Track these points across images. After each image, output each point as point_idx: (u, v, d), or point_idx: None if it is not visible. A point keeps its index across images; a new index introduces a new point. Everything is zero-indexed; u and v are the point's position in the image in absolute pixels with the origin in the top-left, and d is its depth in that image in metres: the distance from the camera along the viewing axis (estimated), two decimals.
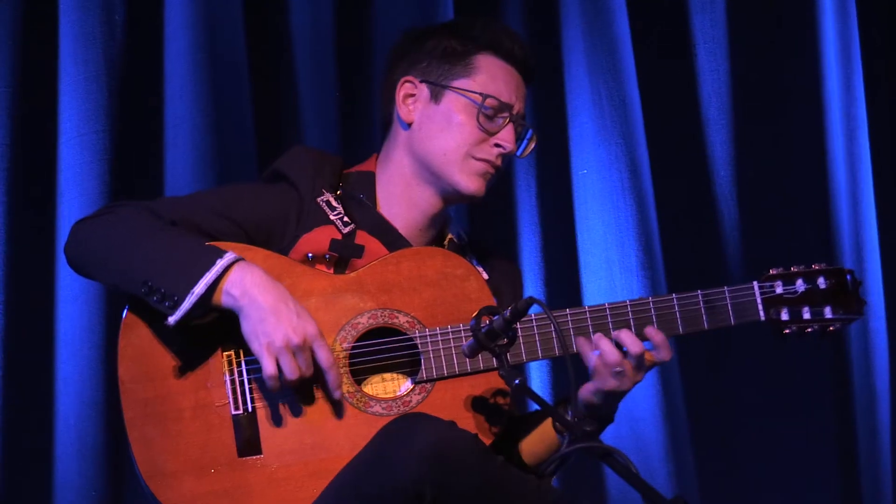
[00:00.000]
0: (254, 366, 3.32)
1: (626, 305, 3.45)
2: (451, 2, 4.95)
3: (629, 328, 3.42)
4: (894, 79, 5.12)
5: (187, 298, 3.23)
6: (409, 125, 3.58)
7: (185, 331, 3.30)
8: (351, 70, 4.96)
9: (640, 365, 3.38)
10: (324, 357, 3.28)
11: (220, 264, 3.25)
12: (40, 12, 4.76)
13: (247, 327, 3.25)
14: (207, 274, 3.24)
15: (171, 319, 3.24)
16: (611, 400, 3.43)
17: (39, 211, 4.72)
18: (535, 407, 3.27)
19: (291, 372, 3.24)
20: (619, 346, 3.37)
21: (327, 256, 3.45)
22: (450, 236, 3.66)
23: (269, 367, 3.24)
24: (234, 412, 3.32)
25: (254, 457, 3.30)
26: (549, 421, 3.52)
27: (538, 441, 3.54)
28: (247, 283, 3.25)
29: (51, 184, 4.73)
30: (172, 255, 3.27)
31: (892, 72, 5.13)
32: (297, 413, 3.32)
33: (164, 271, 3.25)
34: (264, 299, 3.24)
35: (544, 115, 5.00)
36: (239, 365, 3.33)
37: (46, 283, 4.70)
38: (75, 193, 4.70)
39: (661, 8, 5.13)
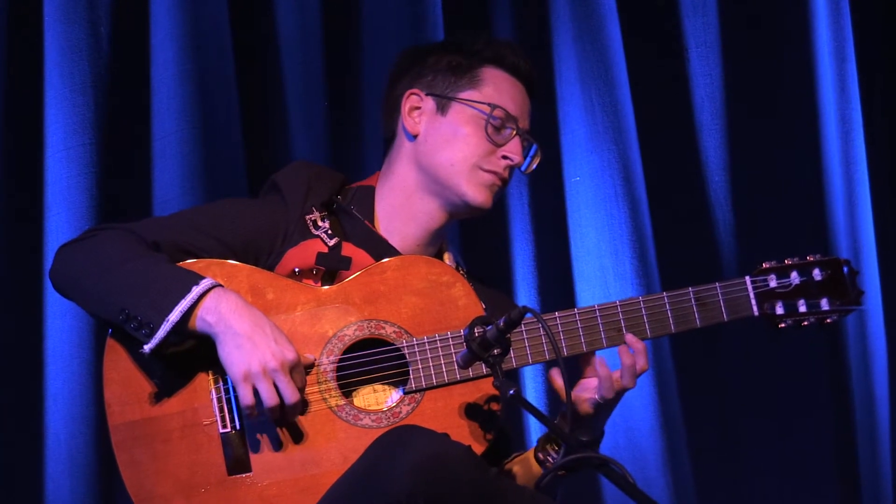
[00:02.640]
0: None
1: (616, 306, 3.44)
2: (440, 10, 4.93)
3: (620, 329, 3.42)
4: (889, 80, 5.10)
5: (162, 326, 3.21)
6: (415, 137, 3.57)
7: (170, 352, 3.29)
8: (339, 80, 4.95)
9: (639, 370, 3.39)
10: (298, 383, 3.25)
11: (195, 291, 3.22)
12: (25, 25, 4.75)
13: (223, 354, 3.23)
14: (182, 301, 3.21)
15: (147, 347, 3.23)
16: (608, 411, 3.43)
17: (27, 225, 4.71)
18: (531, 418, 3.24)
19: (269, 399, 3.21)
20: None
21: (314, 270, 3.43)
22: (447, 262, 3.63)
23: (245, 397, 3.22)
24: (221, 430, 3.29)
25: (243, 475, 3.28)
26: (529, 455, 3.52)
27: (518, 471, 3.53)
28: (222, 310, 3.22)
29: (38, 198, 4.71)
30: (149, 283, 3.25)
31: (887, 73, 5.11)
32: (285, 429, 3.29)
33: (140, 299, 3.23)
34: (240, 325, 3.21)
35: (535, 123, 4.96)
36: (225, 382, 3.30)
37: (35, 298, 4.69)
38: (63, 207, 4.68)
39: (653, 12, 5.11)
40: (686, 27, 5.09)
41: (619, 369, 3.38)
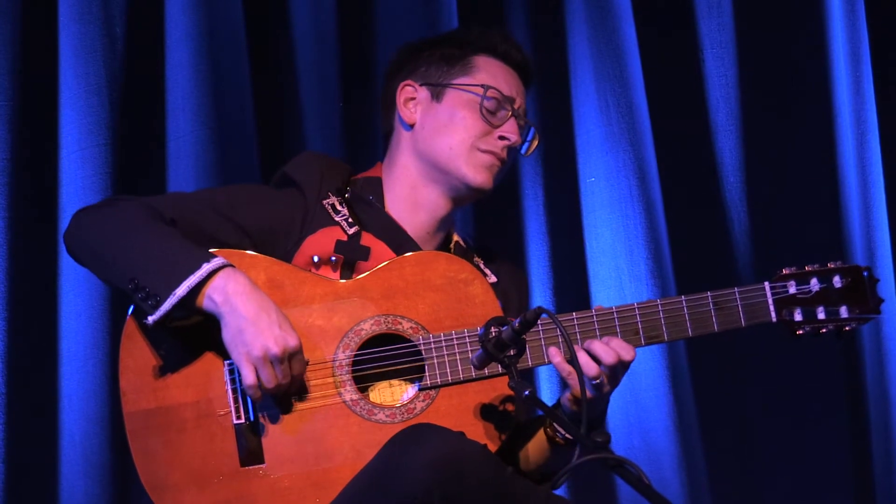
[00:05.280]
0: None
1: (634, 308, 3.43)
2: (455, 11, 4.94)
3: (637, 332, 3.40)
4: None
5: (168, 299, 3.21)
6: (412, 126, 3.60)
7: (186, 340, 3.30)
8: (354, 80, 4.95)
9: (615, 375, 3.34)
10: (297, 371, 3.25)
11: (205, 268, 3.23)
12: (40, 25, 4.76)
13: (227, 335, 3.23)
14: (191, 277, 3.21)
15: (150, 318, 3.22)
16: (592, 408, 3.38)
17: (41, 226, 4.71)
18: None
19: (269, 381, 3.21)
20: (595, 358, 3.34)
21: (333, 259, 3.44)
22: (455, 239, 3.66)
23: (248, 377, 3.21)
24: (236, 421, 3.30)
25: (256, 466, 3.28)
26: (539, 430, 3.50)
27: (534, 448, 3.52)
28: (230, 290, 3.22)
29: (52, 199, 4.72)
30: (161, 255, 3.26)
31: None
32: (299, 422, 3.29)
33: (150, 270, 3.24)
34: (245, 308, 3.21)
35: (551, 123, 4.99)
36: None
37: (50, 298, 4.69)
38: (77, 208, 4.66)
39: (668, 13, 5.11)
40: (701, 28, 5.09)
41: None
